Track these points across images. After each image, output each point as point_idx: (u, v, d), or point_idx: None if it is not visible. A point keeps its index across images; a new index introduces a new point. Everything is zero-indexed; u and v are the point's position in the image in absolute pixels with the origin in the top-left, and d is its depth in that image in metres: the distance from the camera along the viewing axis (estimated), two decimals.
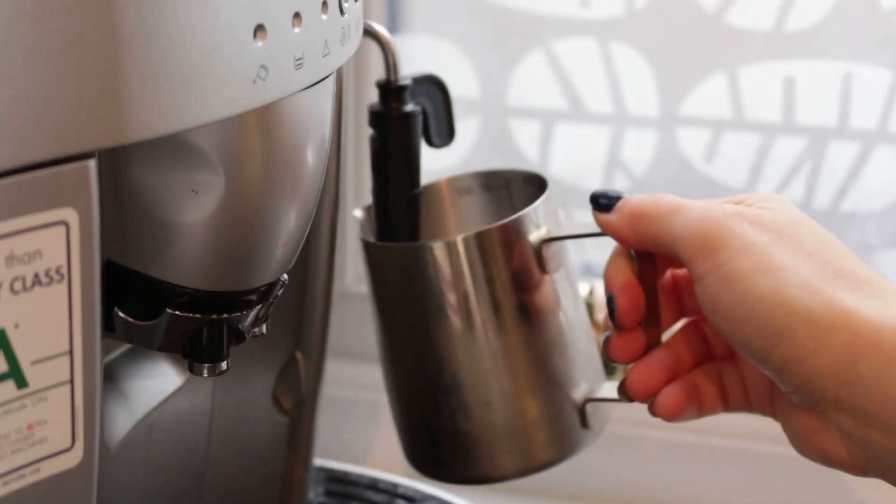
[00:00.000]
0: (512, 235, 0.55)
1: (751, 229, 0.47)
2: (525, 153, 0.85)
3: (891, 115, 0.78)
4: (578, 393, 0.57)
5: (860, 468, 0.47)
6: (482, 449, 0.58)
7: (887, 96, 0.77)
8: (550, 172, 0.85)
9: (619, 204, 0.52)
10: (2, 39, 0.33)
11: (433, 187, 0.63)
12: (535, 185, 0.60)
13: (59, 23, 0.34)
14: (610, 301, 0.52)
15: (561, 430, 0.58)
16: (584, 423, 0.58)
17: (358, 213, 0.61)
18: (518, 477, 0.59)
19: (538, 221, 0.56)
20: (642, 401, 0.53)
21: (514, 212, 0.56)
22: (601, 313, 0.56)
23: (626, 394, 0.53)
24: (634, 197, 0.52)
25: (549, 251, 0.56)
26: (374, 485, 0.76)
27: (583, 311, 0.60)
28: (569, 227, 0.57)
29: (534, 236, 0.55)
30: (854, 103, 0.78)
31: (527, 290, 0.56)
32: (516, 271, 0.55)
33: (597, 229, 0.53)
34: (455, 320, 0.56)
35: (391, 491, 0.75)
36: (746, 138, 0.81)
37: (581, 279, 0.79)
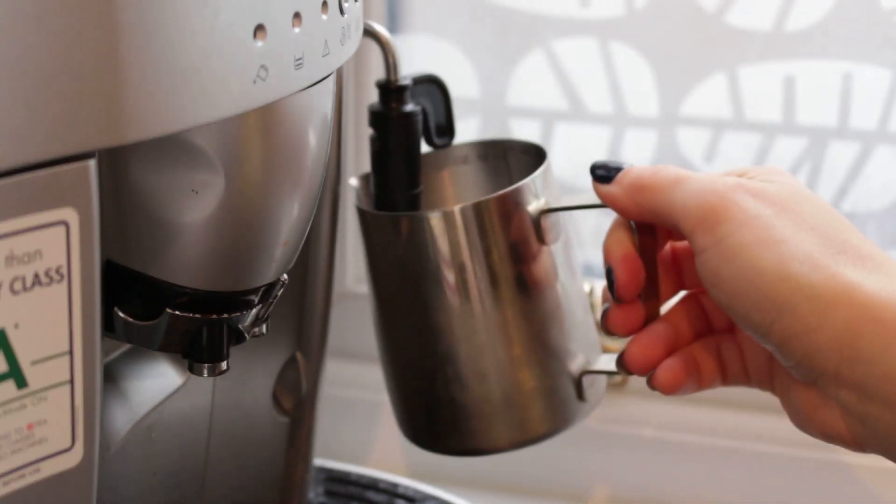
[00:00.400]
0: (510, 206, 0.54)
1: (753, 202, 0.47)
2: None
3: (891, 116, 0.78)
4: (575, 365, 0.57)
5: (860, 444, 0.47)
6: (478, 420, 0.57)
7: (887, 96, 0.77)
8: None
9: (620, 175, 0.51)
10: (1, 39, 0.33)
11: (429, 156, 0.62)
12: (532, 154, 0.60)
13: (58, 22, 0.34)
14: (609, 273, 0.52)
15: (557, 402, 0.57)
16: (580, 395, 0.58)
17: (353, 182, 0.61)
18: (513, 449, 0.58)
19: (537, 192, 0.55)
20: (641, 374, 0.52)
21: (512, 181, 0.56)
22: (601, 313, 0.56)
23: (624, 366, 0.52)
24: (635, 168, 0.51)
25: (548, 222, 0.55)
26: (374, 485, 0.76)
27: (581, 282, 0.59)
28: (568, 199, 0.56)
29: (532, 207, 0.55)
30: (854, 103, 0.78)
31: (524, 261, 0.55)
32: (514, 242, 0.55)
33: (596, 201, 0.52)
34: (451, 291, 0.55)
35: (391, 491, 0.75)
36: (746, 138, 0.81)
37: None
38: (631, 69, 0.81)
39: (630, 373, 0.53)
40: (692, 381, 0.52)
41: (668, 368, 0.52)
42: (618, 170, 0.51)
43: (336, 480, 0.77)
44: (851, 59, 0.77)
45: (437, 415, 0.58)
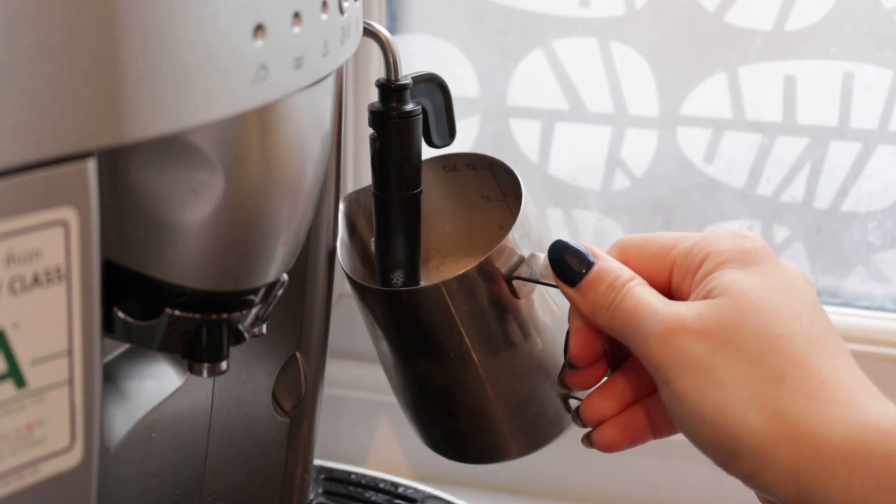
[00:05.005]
0: (486, 274, 0.55)
1: (692, 344, 0.47)
2: (525, 153, 0.85)
3: (891, 115, 0.78)
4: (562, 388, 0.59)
5: None
6: (481, 443, 0.61)
7: (888, 96, 0.77)
8: (550, 172, 0.85)
9: (583, 285, 0.51)
10: (1, 39, 0.33)
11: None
12: (515, 177, 0.61)
13: (58, 22, 0.34)
14: (567, 337, 0.53)
15: (553, 417, 0.60)
16: (568, 409, 0.61)
17: (341, 208, 0.61)
18: (522, 457, 0.62)
19: (512, 252, 0.56)
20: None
21: (500, 190, 0.57)
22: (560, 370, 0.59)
23: (580, 420, 0.54)
24: (594, 282, 0.51)
25: (520, 281, 0.56)
26: (374, 485, 0.76)
27: (563, 309, 0.60)
28: (543, 267, 0.56)
29: (505, 270, 0.56)
30: (855, 103, 0.78)
31: (506, 315, 0.57)
32: (492, 303, 0.56)
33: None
34: (443, 352, 0.57)
35: (391, 491, 0.75)
36: (747, 138, 0.81)
37: None
38: (631, 69, 0.81)
39: (586, 427, 0.54)
40: (638, 437, 0.53)
41: (608, 427, 0.53)
42: (582, 271, 0.51)
43: (336, 480, 0.77)
44: (852, 59, 0.77)
45: (449, 440, 0.62)
